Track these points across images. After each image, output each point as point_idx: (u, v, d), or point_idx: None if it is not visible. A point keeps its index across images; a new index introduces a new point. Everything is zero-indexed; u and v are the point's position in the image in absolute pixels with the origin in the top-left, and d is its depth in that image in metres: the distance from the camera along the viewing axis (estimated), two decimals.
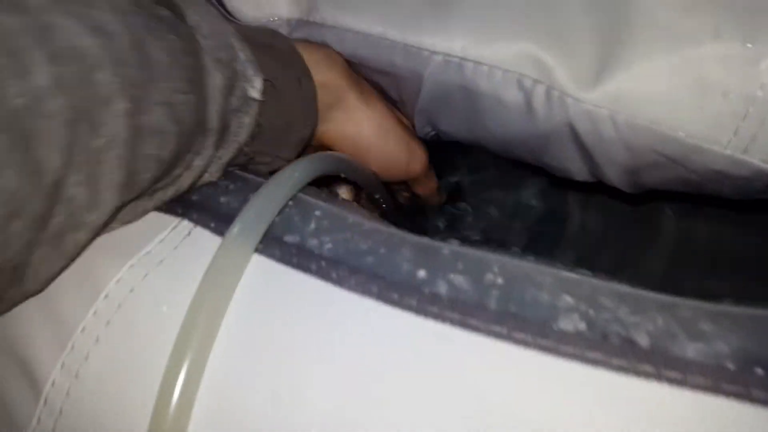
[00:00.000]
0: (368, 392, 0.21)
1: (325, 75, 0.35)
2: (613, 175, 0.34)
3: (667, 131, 0.30)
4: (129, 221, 0.26)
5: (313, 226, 0.26)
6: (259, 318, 0.22)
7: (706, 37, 0.28)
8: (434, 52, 0.33)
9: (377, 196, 0.42)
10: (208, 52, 0.26)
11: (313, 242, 0.25)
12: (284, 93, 0.31)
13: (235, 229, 0.23)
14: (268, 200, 0.25)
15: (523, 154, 0.37)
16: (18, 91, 0.19)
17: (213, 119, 0.26)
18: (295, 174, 0.27)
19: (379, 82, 0.37)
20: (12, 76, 0.19)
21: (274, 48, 0.32)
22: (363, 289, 0.22)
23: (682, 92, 0.29)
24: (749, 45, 0.28)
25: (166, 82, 0.24)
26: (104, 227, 0.24)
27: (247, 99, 0.28)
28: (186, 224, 0.25)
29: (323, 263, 0.23)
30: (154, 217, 0.26)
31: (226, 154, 0.28)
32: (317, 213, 0.28)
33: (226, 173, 0.29)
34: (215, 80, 0.26)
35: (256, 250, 0.24)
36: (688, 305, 0.25)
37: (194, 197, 0.27)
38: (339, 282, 0.23)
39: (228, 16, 0.36)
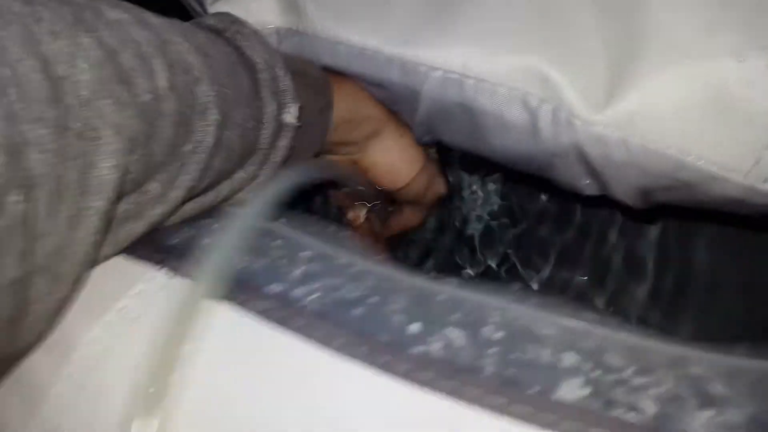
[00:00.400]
0: None
1: (371, 109, 0.39)
2: (623, 194, 0.33)
3: (683, 157, 0.28)
4: (171, 223, 0.27)
5: (300, 271, 0.25)
6: (235, 386, 0.21)
7: (728, 57, 0.26)
8: (433, 68, 0.31)
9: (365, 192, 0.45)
10: (264, 85, 0.30)
11: (299, 291, 0.24)
12: (307, 120, 0.33)
13: (194, 281, 0.22)
14: (231, 242, 0.24)
15: (529, 169, 0.35)
16: (147, 87, 0.22)
17: (264, 143, 0.30)
18: (258, 205, 0.26)
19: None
20: (142, 75, 0.22)
21: (307, 76, 0.34)
22: (350, 351, 0.21)
23: (700, 116, 0.27)
24: None
25: (246, 107, 0.28)
26: (156, 226, 0.26)
27: (285, 124, 0.31)
28: (164, 274, 0.24)
29: (308, 319, 0.22)
30: (130, 264, 0.25)
31: (265, 173, 0.31)
32: (307, 254, 0.26)
33: (213, 209, 0.28)
34: (271, 109, 0.30)
35: (239, 303, 0.23)
36: (700, 360, 0.24)
37: (174, 240, 0.26)
38: (324, 342, 0.22)
39: None
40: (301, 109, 0.32)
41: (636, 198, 0.33)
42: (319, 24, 0.32)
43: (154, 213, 0.25)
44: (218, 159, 0.27)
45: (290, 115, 0.31)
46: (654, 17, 0.27)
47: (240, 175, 0.29)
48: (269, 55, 0.30)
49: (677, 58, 0.27)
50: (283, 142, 0.31)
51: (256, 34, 0.31)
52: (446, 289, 0.26)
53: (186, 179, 0.25)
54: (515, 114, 0.30)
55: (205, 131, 0.25)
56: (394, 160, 0.42)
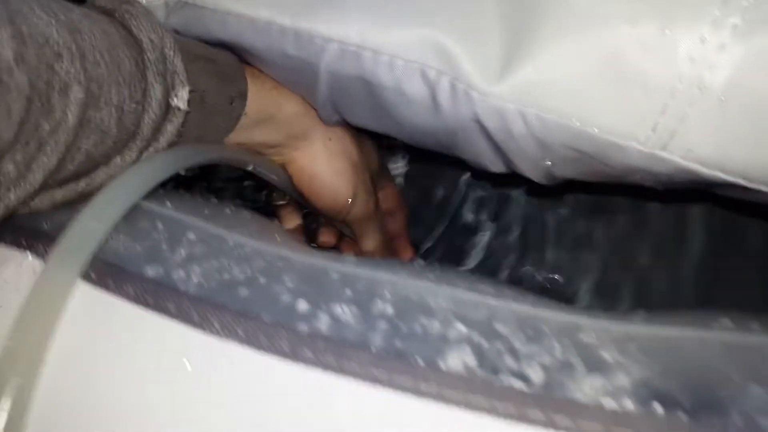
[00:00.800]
0: None
1: (298, 107, 0.38)
2: (527, 169, 0.33)
3: (580, 127, 0.28)
4: (38, 209, 0.26)
5: (182, 253, 0.25)
6: (101, 374, 0.21)
7: (621, 22, 0.27)
8: (329, 40, 0.31)
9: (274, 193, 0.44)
10: (151, 67, 0.29)
11: (179, 274, 0.24)
12: (211, 107, 0.33)
13: (52, 260, 0.21)
14: (94, 219, 0.23)
15: (435, 146, 0.36)
16: None
17: (146, 127, 0.29)
18: (126, 185, 0.26)
19: (274, 74, 0.35)
20: None
21: (215, 63, 0.33)
22: (227, 333, 0.21)
23: (595, 83, 0.28)
24: (667, 31, 0.27)
25: (126, 88, 0.27)
26: (15, 210, 0.25)
27: (172, 108, 0.30)
28: (31, 260, 0.23)
29: (185, 302, 0.22)
30: None
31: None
32: (191, 236, 0.26)
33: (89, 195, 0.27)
34: (157, 93, 0.29)
35: (110, 287, 0.22)
36: (593, 327, 0.24)
37: (45, 225, 0.25)
38: (200, 325, 0.21)
39: None
40: (203, 94, 0.31)
41: (540, 173, 0.33)
42: None
43: (11, 198, 0.24)
44: (87, 141, 0.26)
45: (179, 99, 0.30)
46: None
47: (118, 161, 0.28)
48: (158, 35, 0.30)
49: (573, 26, 0.28)
50: (170, 128, 0.30)
51: (147, 13, 0.30)
52: (342, 267, 0.26)
53: (45, 162, 0.24)
54: (414, 87, 0.30)
55: (66, 110, 0.24)
56: (317, 167, 0.40)
